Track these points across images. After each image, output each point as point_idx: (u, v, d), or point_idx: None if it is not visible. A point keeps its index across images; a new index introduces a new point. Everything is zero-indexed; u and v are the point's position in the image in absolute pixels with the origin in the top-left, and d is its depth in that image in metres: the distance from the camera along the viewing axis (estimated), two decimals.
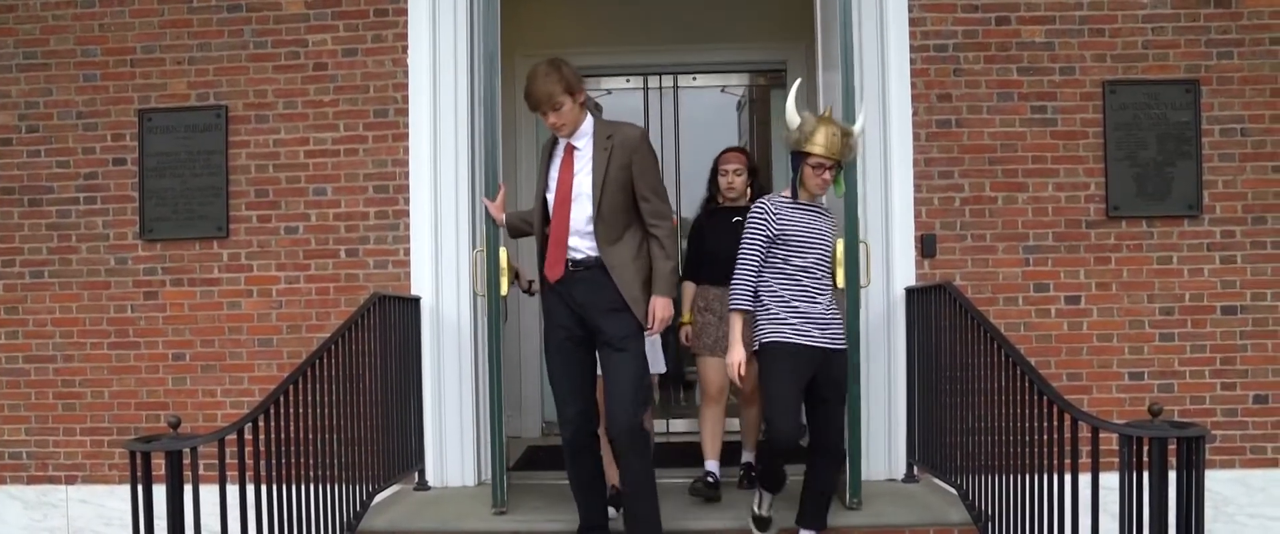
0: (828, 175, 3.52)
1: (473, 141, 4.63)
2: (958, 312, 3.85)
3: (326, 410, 3.64)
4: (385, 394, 4.12)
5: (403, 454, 4.32)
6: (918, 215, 4.56)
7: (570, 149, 3.56)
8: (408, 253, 4.67)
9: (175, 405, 4.73)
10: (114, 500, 4.77)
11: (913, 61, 4.57)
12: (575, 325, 3.56)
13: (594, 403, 3.65)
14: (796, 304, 3.51)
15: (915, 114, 4.57)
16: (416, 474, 4.52)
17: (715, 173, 4.45)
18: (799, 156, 3.53)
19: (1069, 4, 4.61)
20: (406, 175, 4.68)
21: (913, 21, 4.57)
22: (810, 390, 3.52)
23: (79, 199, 4.87)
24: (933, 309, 4.11)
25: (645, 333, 3.54)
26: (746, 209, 4.04)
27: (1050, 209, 4.60)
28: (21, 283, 4.90)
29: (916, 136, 4.57)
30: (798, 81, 3.90)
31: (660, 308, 3.53)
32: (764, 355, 3.52)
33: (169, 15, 4.83)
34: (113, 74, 4.85)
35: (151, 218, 4.81)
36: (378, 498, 4.09)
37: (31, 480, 4.89)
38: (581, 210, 3.51)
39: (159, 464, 2.86)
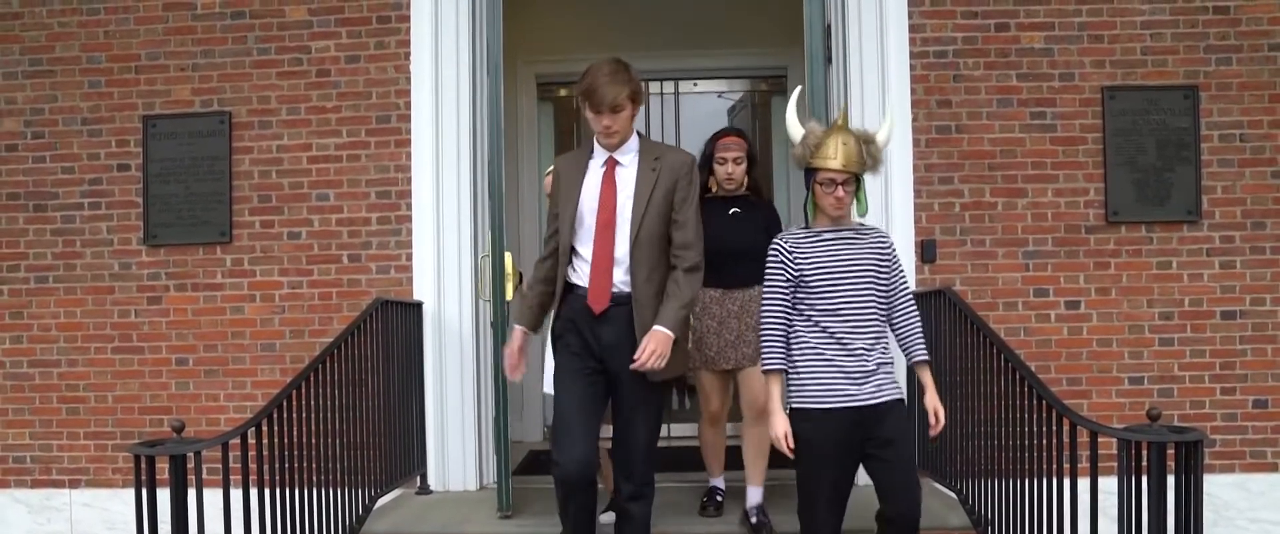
0: (842, 193, 2.91)
1: (475, 147, 4.66)
2: (957, 317, 3.86)
3: (329, 415, 3.65)
4: (387, 398, 4.14)
5: (405, 458, 4.33)
6: (918, 220, 4.58)
7: (613, 165, 3.19)
8: (410, 258, 4.69)
9: (179, 410, 4.76)
10: (118, 504, 4.79)
11: (912, 67, 4.59)
12: (594, 361, 3.19)
13: (597, 446, 3.23)
14: (829, 354, 2.92)
15: (915, 120, 4.59)
16: (418, 478, 4.53)
17: (709, 158, 3.93)
18: (808, 174, 2.99)
19: (1068, 10, 4.63)
20: (409, 181, 4.70)
21: (913, 27, 4.59)
22: (864, 454, 2.96)
23: (83, 204, 4.90)
24: (932, 314, 4.12)
25: (631, 364, 3.08)
26: (745, 199, 3.90)
27: (1050, 214, 4.62)
28: (26, 288, 4.92)
29: (916, 142, 4.59)
30: (797, 89, 3.41)
31: (656, 340, 3.04)
32: (796, 424, 2.96)
33: (173, 22, 4.85)
34: (117, 80, 4.88)
35: (155, 223, 4.84)
36: (380, 502, 4.11)
37: (35, 484, 4.91)
38: (623, 235, 3.14)
39: (163, 468, 2.88)
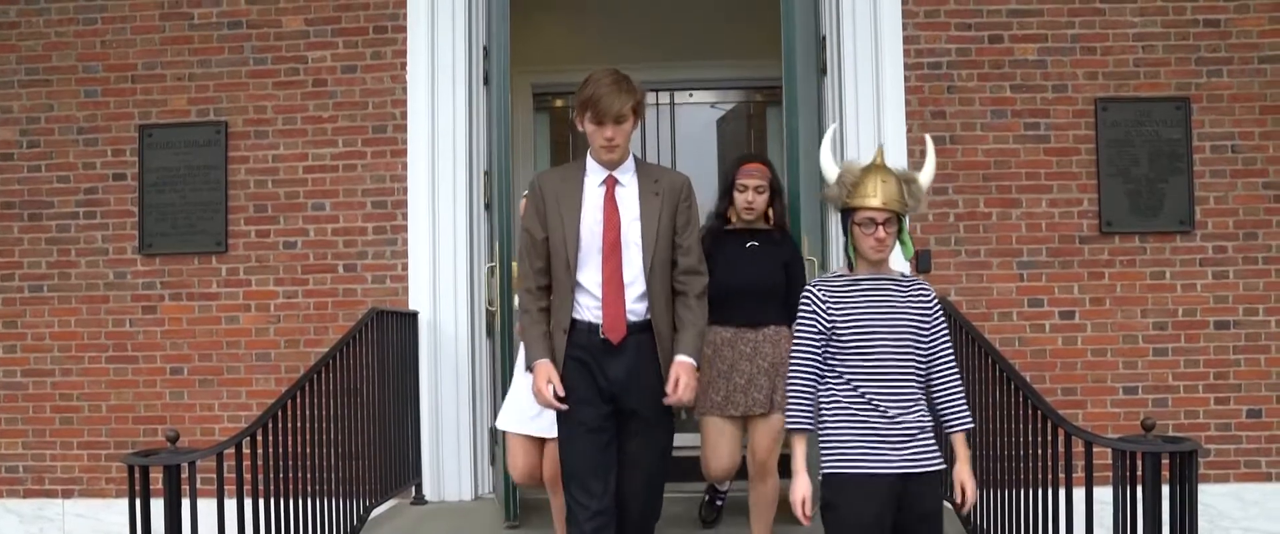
0: (882, 233, 2.62)
1: (470, 157, 4.67)
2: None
3: (324, 425, 3.65)
4: (382, 408, 4.14)
5: (400, 468, 4.33)
6: (912, 231, 4.57)
7: (613, 184, 2.96)
8: (405, 268, 4.69)
9: (173, 420, 4.74)
10: (111, 514, 4.77)
11: (907, 78, 4.61)
12: (604, 404, 2.93)
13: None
14: (862, 416, 2.60)
15: (909, 131, 4.60)
16: (414, 488, 4.52)
17: (730, 185, 3.58)
18: (846, 215, 2.72)
19: (1061, 23, 4.66)
20: (405, 191, 4.70)
21: (907, 39, 4.62)
22: (894, 524, 2.62)
23: (79, 214, 4.89)
24: None
25: (664, 399, 2.91)
26: (765, 233, 3.58)
27: (1044, 225, 4.64)
28: (20, 297, 4.91)
29: (910, 153, 4.60)
30: (831, 128, 3.34)
31: (685, 371, 2.90)
32: (824, 492, 2.67)
33: (170, 32, 4.86)
34: (114, 90, 4.88)
35: (151, 232, 4.83)
36: (375, 512, 4.10)
37: (28, 494, 4.88)
38: (633, 260, 2.92)
39: (157, 478, 2.88)
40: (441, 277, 4.65)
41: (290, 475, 3.41)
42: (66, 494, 4.87)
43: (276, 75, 4.81)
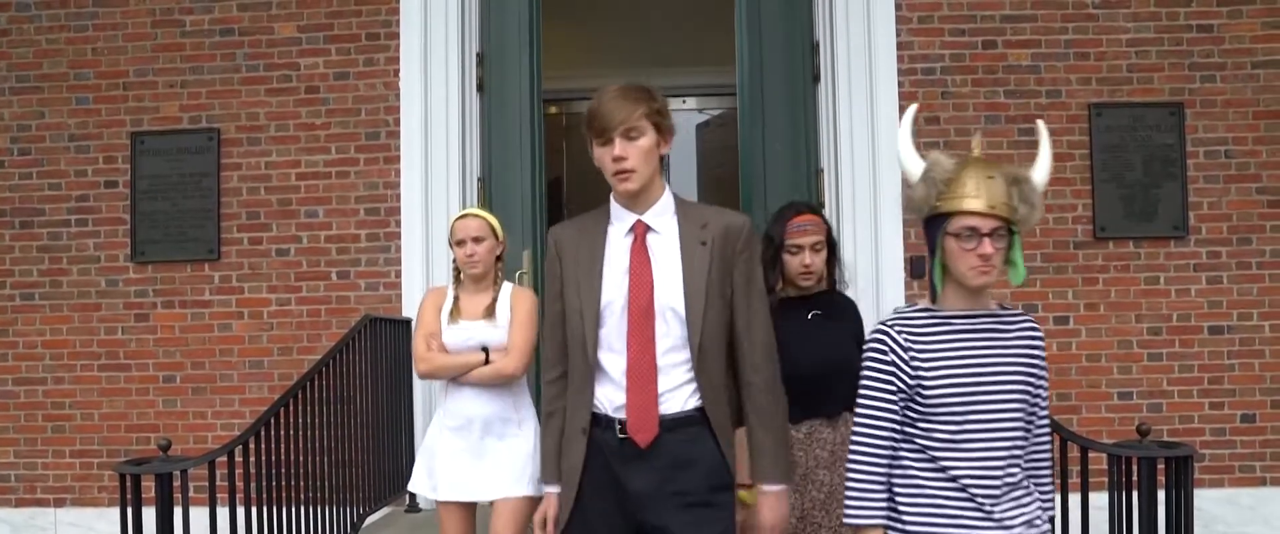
0: (989, 247, 1.91)
1: (464, 164, 4.67)
2: None
3: (317, 432, 3.63)
4: (376, 416, 4.12)
5: (393, 476, 4.31)
6: (906, 237, 4.59)
7: (642, 231, 2.23)
8: (399, 275, 4.68)
9: (166, 428, 4.72)
10: (103, 523, 4.74)
11: (901, 84, 4.61)
12: (622, 526, 2.21)
13: None
14: (953, 507, 1.94)
15: None
16: (407, 496, 4.50)
17: (778, 247, 2.82)
18: (934, 224, 2.00)
19: (1054, 29, 4.67)
20: (398, 198, 4.69)
21: (901, 45, 4.62)
22: None
23: (71, 221, 4.87)
24: None
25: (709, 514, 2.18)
26: (827, 298, 2.89)
27: (1038, 230, 4.63)
28: (12, 305, 4.88)
29: None
30: (911, 108, 2.36)
31: (771, 511, 2.20)
32: None
33: (162, 39, 4.85)
34: (105, 97, 4.87)
35: (143, 240, 4.81)
36: (368, 520, 4.08)
37: (20, 503, 4.85)
38: (670, 332, 2.19)
39: (149, 487, 2.86)
40: (435, 284, 4.63)
41: (283, 483, 3.39)
42: (58, 503, 4.84)
43: (269, 82, 4.80)
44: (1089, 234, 4.63)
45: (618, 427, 2.19)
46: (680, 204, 2.30)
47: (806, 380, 2.64)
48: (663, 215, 2.25)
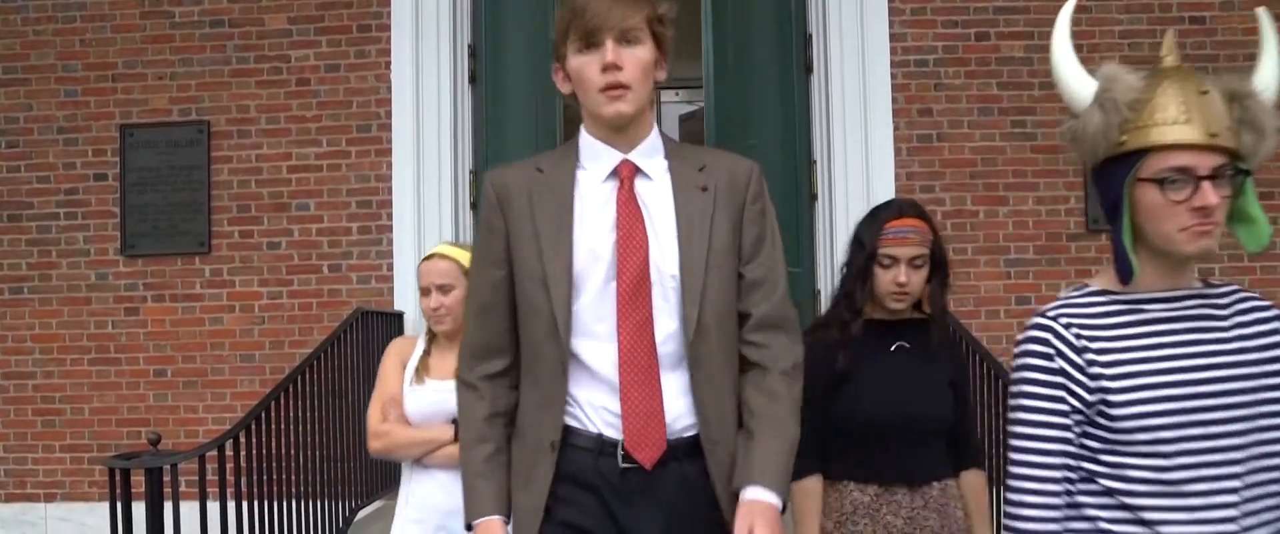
0: (1213, 197, 1.33)
1: (456, 156, 4.65)
2: None
3: (309, 426, 3.62)
4: (368, 409, 4.10)
5: (386, 470, 4.29)
6: None
7: (630, 174, 1.71)
8: (391, 268, 4.66)
9: (156, 422, 4.70)
10: (94, 518, 4.72)
11: (893, 76, 4.60)
12: None
13: None
14: None
15: (897, 129, 4.60)
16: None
17: (870, 256, 2.20)
18: (1117, 169, 1.40)
19: (1047, 20, 4.62)
20: (389, 190, 4.67)
21: (893, 37, 4.61)
22: None
23: (60, 214, 4.84)
24: None
25: None
26: (918, 326, 2.27)
27: (1031, 223, 4.64)
28: (1, 299, 4.86)
29: (897, 151, 4.60)
30: (1070, 3, 1.57)
31: (762, 522, 1.55)
32: None
33: (151, 31, 4.81)
34: (94, 89, 4.83)
35: (133, 233, 4.79)
36: (361, 514, 4.07)
37: (10, 498, 4.83)
38: (670, 310, 1.66)
39: (138, 481, 2.84)
40: None
41: (274, 477, 3.38)
42: (49, 498, 4.82)
43: (259, 74, 4.77)
44: (1082, 226, 4.63)
45: (614, 447, 1.61)
46: (669, 143, 1.78)
47: (880, 432, 2.12)
48: (652, 155, 1.73)
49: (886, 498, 2.16)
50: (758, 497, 1.57)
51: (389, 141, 4.68)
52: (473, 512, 1.67)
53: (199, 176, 4.76)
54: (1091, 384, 1.35)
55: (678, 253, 1.66)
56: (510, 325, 1.71)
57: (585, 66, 1.66)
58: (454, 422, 2.26)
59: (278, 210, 4.74)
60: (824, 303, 4.41)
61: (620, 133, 1.70)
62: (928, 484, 2.18)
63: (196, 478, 3.08)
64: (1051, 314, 1.42)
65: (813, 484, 2.17)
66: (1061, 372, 1.37)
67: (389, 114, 4.68)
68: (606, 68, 1.64)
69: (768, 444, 1.62)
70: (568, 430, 1.65)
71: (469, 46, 4.74)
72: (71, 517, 4.79)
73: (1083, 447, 1.38)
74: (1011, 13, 4.65)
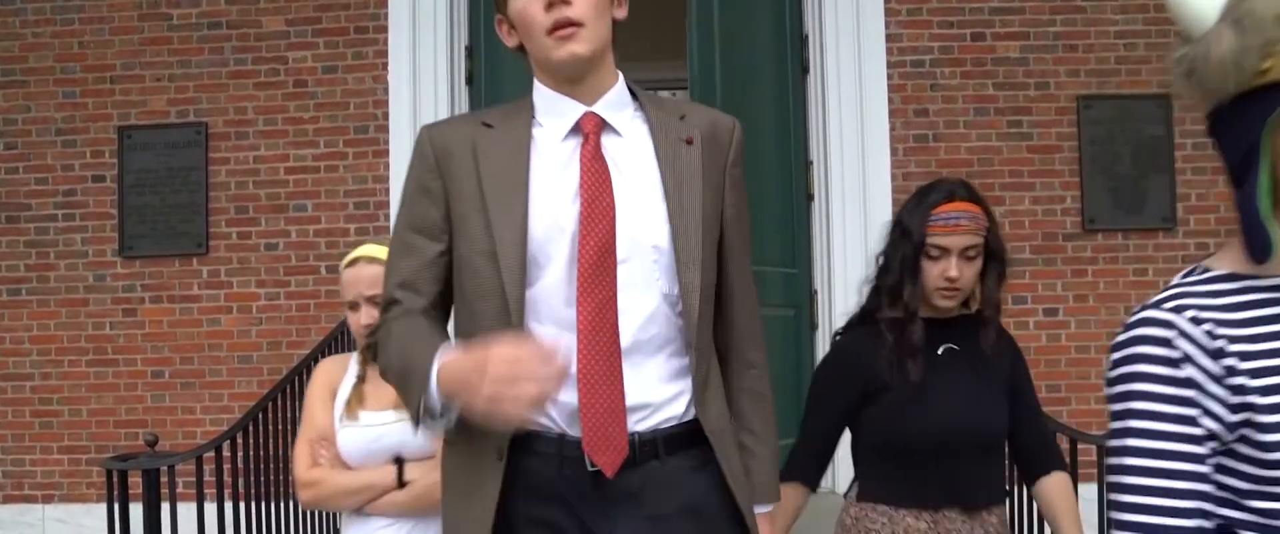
0: None
1: None
2: None
3: None
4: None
5: None
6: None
7: (595, 129, 1.48)
8: None
9: (154, 423, 4.70)
10: (91, 519, 4.72)
11: (889, 76, 4.61)
12: None
13: None
14: None
15: (892, 129, 4.60)
16: None
17: (918, 246, 1.93)
18: (1252, 107, 1.07)
19: (1043, 20, 4.67)
20: (387, 192, 4.68)
21: (889, 37, 4.62)
22: None
23: (57, 216, 4.85)
24: None
25: None
26: (970, 327, 2.00)
27: (1027, 222, 4.65)
28: None
29: (893, 151, 4.60)
30: None
31: None
32: None
33: (149, 33, 4.82)
34: (92, 91, 4.84)
35: (131, 235, 4.79)
36: None
37: (8, 500, 4.84)
38: (647, 287, 1.43)
39: (136, 483, 2.85)
40: None
41: (272, 478, 3.38)
42: (47, 499, 4.83)
43: (257, 76, 4.77)
44: (1078, 226, 4.64)
45: (571, 448, 1.39)
46: (641, 93, 1.56)
47: (931, 450, 1.84)
48: (622, 109, 1.50)
49: (943, 526, 1.88)
50: (759, 509, 1.51)
51: (386, 143, 4.68)
52: (421, 375, 1.33)
53: (197, 178, 4.77)
54: (1233, 400, 0.98)
55: (666, 217, 1.42)
56: (439, 291, 1.47)
57: (528, 6, 1.43)
58: (397, 461, 1.93)
59: (275, 212, 4.75)
60: (821, 305, 4.42)
61: (578, 83, 1.46)
62: (987, 510, 1.92)
63: (194, 479, 3.08)
64: (1169, 306, 1.03)
65: (792, 492, 1.86)
66: (1191, 383, 0.99)
67: (386, 116, 4.69)
68: (551, 4, 1.41)
69: (764, 462, 1.52)
70: (524, 435, 1.38)
71: (465, 48, 4.74)
72: (69, 518, 4.79)
73: (1222, 488, 1.01)
74: (1007, 13, 4.66)
